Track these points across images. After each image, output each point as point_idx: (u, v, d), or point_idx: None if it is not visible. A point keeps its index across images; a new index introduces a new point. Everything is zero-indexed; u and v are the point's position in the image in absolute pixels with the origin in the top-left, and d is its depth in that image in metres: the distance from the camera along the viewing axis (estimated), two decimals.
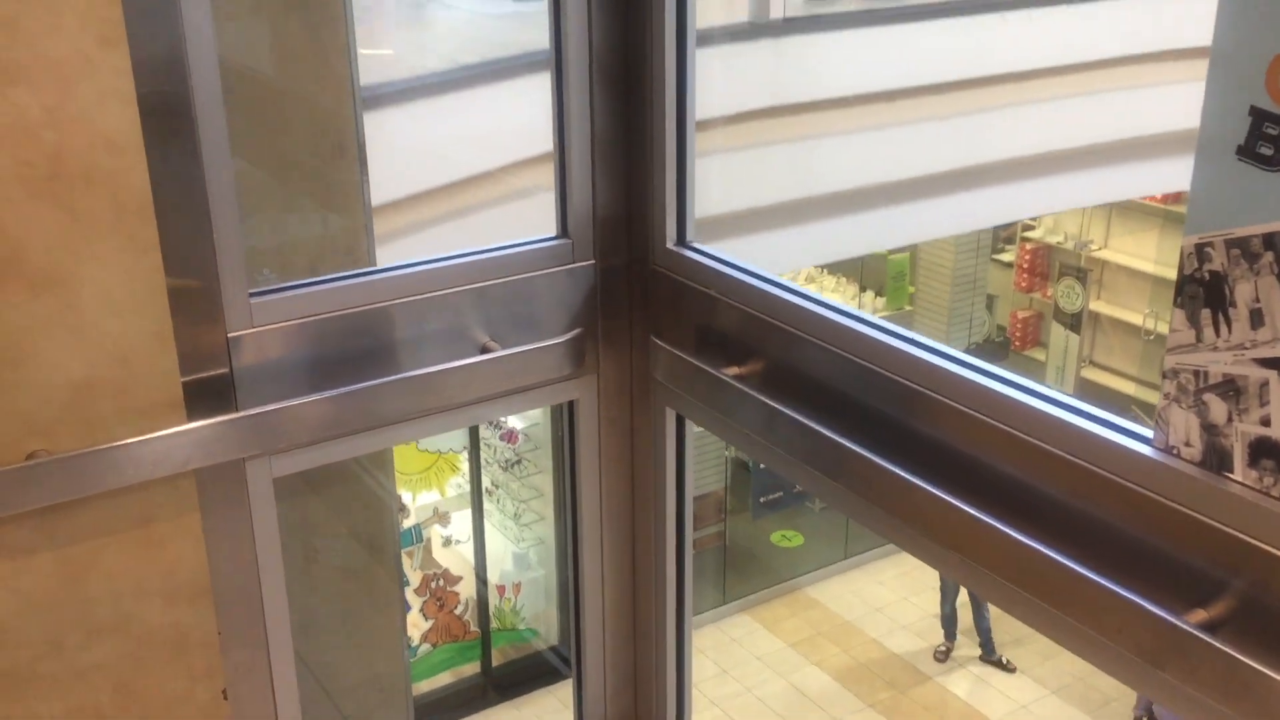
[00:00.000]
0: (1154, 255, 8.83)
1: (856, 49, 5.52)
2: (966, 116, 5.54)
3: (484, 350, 1.75)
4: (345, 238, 2.02)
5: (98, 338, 1.43)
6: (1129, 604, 1.19)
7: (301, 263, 1.99)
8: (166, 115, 1.42)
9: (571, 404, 1.89)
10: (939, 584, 7.57)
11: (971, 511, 1.34)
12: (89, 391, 1.44)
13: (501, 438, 7.30)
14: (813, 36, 5.52)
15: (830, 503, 1.71)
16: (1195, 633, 1.13)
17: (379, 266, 1.73)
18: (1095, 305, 9.68)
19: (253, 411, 1.57)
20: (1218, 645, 1.12)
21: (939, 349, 1.44)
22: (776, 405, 1.58)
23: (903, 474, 1.42)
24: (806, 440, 1.55)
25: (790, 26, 5.39)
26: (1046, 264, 9.98)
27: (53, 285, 1.38)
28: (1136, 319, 9.19)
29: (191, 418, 1.52)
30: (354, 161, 2.00)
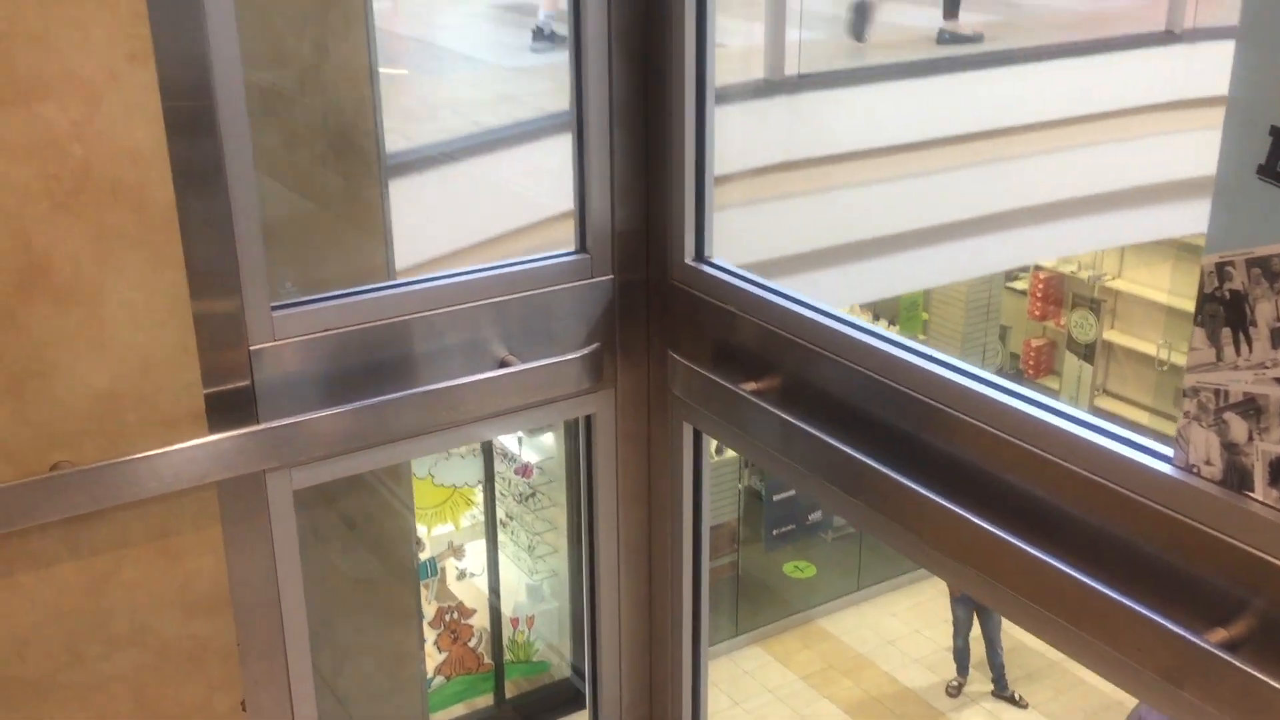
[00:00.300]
0: (1168, 286, 8.83)
1: (869, 103, 5.66)
2: (985, 166, 5.68)
3: (502, 364, 1.76)
4: (365, 252, 2.04)
5: (121, 350, 1.44)
6: (1148, 622, 1.18)
7: (322, 276, 2.00)
8: (192, 130, 1.43)
9: (589, 418, 1.90)
10: (952, 617, 7.52)
11: (989, 528, 1.34)
12: (112, 404, 1.46)
13: (516, 472, 7.37)
14: (830, 92, 5.63)
15: (847, 518, 1.72)
16: (1215, 651, 1.13)
17: (398, 280, 1.74)
18: (1109, 335, 9.68)
19: (274, 424, 1.58)
20: (1238, 664, 1.11)
21: (957, 365, 1.44)
22: (794, 420, 1.58)
23: (920, 489, 1.42)
24: (823, 455, 1.55)
25: (804, 83, 5.50)
26: (1060, 292, 9.99)
27: (78, 298, 1.40)
28: (1150, 349, 9.18)
29: (213, 430, 1.53)
30: (375, 177, 2.02)
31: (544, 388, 1.78)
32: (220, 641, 1.60)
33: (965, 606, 7.43)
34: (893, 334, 1.53)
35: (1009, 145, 5.63)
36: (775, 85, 5.34)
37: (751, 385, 1.65)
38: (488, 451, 7.05)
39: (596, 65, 1.72)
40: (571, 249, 1.80)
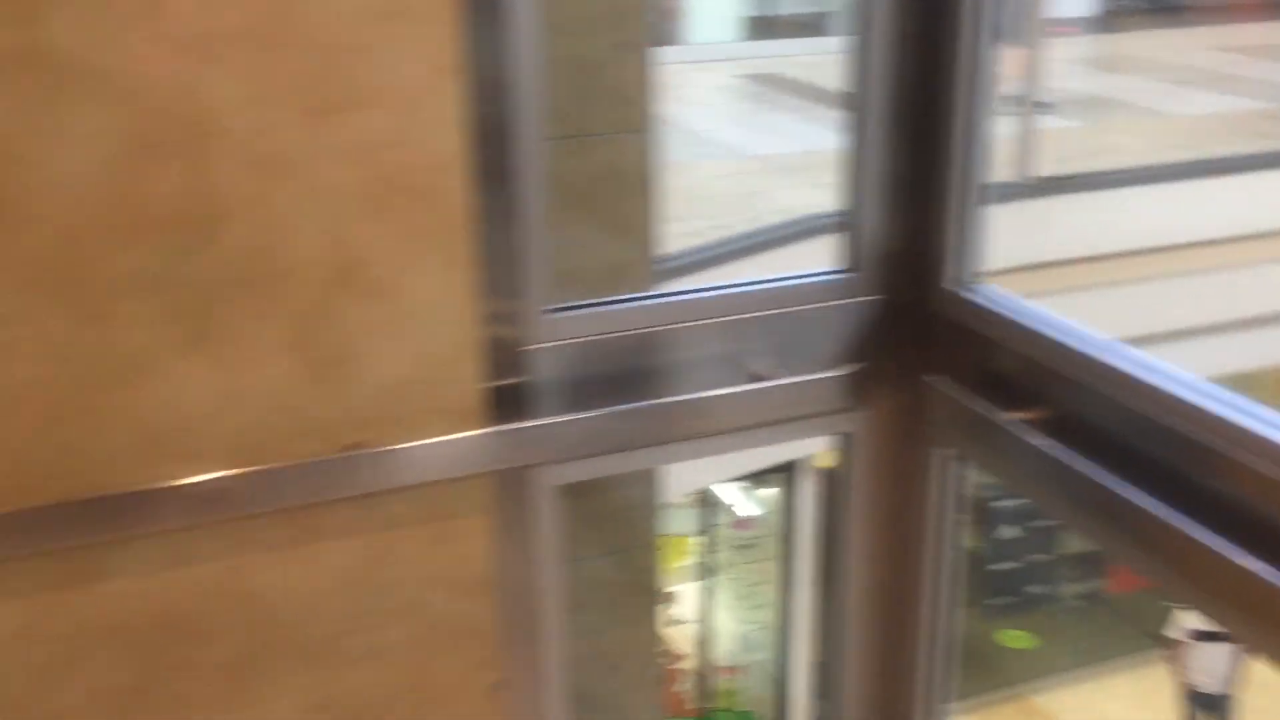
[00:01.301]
0: None
1: (1125, 205, 5.49)
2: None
3: (757, 379, 1.80)
4: (628, 264, 2.12)
5: (415, 344, 1.56)
6: None
7: (587, 285, 2.09)
8: (490, 142, 1.53)
9: (842, 440, 1.90)
10: (1179, 711, 7.06)
11: (1274, 580, 1.28)
12: (404, 393, 1.57)
13: (734, 525, 7.48)
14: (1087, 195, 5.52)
15: (1119, 560, 1.66)
16: None
17: (664, 291, 1.81)
18: None
19: (540, 422, 1.67)
20: None
21: (1245, 406, 1.38)
22: (1058, 454, 1.55)
23: (1194, 532, 1.37)
24: (1087, 491, 1.51)
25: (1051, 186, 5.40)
26: None
27: (382, 293, 1.52)
28: None
29: (488, 423, 1.63)
30: (642, 193, 2.10)
31: (799, 405, 1.80)
32: (482, 623, 1.69)
33: (1198, 703, 6.98)
34: (1175, 371, 1.47)
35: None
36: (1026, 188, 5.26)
37: (1016, 416, 1.62)
38: (706, 503, 7.17)
39: (878, 85, 1.73)
40: (836, 267, 1.82)
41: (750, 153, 5.96)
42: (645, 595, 2.30)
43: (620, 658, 2.26)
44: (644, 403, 1.74)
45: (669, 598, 7.35)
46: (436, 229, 1.52)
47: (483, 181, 1.54)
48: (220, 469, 1.50)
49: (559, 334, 1.69)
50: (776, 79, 7.27)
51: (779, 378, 1.79)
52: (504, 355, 1.64)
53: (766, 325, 1.80)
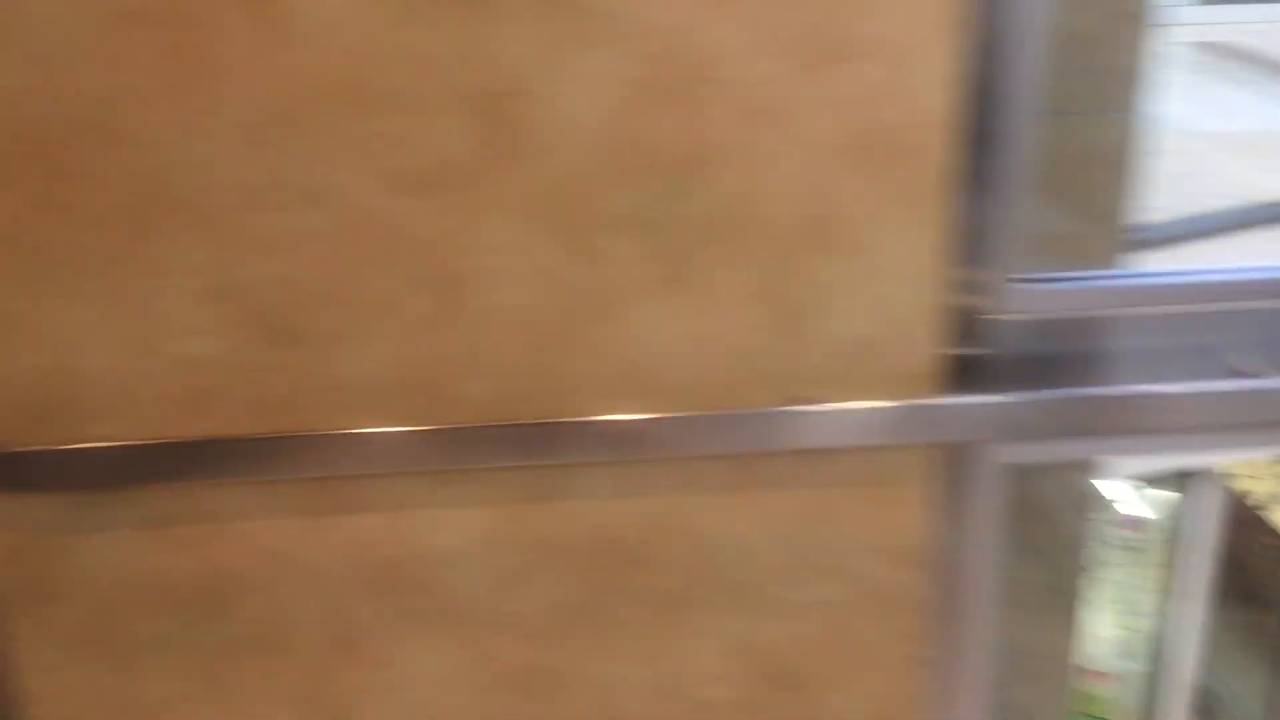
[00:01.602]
0: None
1: None
2: None
3: (1240, 375, 1.62)
4: (1091, 243, 1.99)
5: (875, 304, 1.52)
6: None
7: (1048, 259, 1.98)
8: (979, 103, 1.46)
9: None
10: None
11: None
12: (855, 352, 1.54)
13: (1119, 525, 6.99)
14: None
15: None
16: None
17: (1147, 270, 1.67)
18: None
19: (995, 397, 1.59)
20: None
21: None
22: None
23: None
24: None
25: None
26: None
27: (852, 250, 1.49)
28: None
29: (940, 392, 1.57)
30: (1118, 177, 1.95)
31: None
32: (910, 595, 1.65)
33: None
34: None
35: None
36: None
37: None
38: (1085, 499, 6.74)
39: None
40: None
41: (1194, 128, 5.39)
42: (1067, 597, 2.17)
43: (1035, 660, 2.15)
44: (1109, 389, 1.61)
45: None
46: (914, 189, 1.47)
47: (967, 143, 1.47)
48: (676, 409, 1.55)
49: (1023, 306, 1.61)
50: (1225, 48, 6.56)
51: (1269, 377, 1.61)
52: (963, 323, 1.58)
53: (1255, 319, 1.63)
